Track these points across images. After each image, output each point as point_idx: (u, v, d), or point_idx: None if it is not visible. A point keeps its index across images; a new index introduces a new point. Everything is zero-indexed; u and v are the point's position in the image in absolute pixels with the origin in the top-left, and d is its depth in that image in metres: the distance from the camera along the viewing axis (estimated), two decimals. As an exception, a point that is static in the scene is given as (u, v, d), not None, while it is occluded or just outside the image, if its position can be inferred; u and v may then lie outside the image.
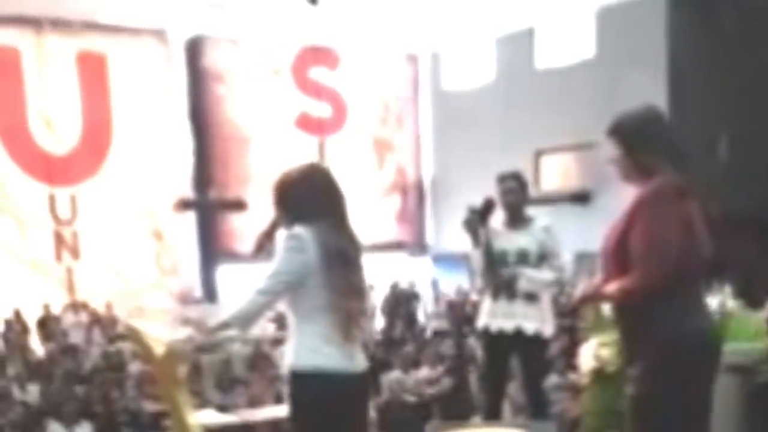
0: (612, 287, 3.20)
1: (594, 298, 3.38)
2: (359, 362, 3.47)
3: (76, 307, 14.38)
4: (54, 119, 15.36)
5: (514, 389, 6.73)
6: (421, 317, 15.03)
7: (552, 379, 7.81)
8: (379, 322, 14.33)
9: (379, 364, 9.73)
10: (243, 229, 16.00)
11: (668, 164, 3.18)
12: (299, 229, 3.37)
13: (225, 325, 3.41)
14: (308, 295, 3.36)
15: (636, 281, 3.11)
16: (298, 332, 3.41)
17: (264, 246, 3.62)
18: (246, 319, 3.37)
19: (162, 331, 3.89)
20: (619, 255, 3.19)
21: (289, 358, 3.43)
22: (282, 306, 3.49)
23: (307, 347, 3.37)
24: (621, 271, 3.17)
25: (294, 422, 3.46)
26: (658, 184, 3.15)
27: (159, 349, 3.65)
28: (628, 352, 3.29)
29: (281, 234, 3.48)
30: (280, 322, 10.25)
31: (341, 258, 3.40)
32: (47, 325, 13.22)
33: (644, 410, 3.18)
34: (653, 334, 3.14)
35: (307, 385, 3.36)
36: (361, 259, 3.53)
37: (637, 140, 3.24)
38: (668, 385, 3.12)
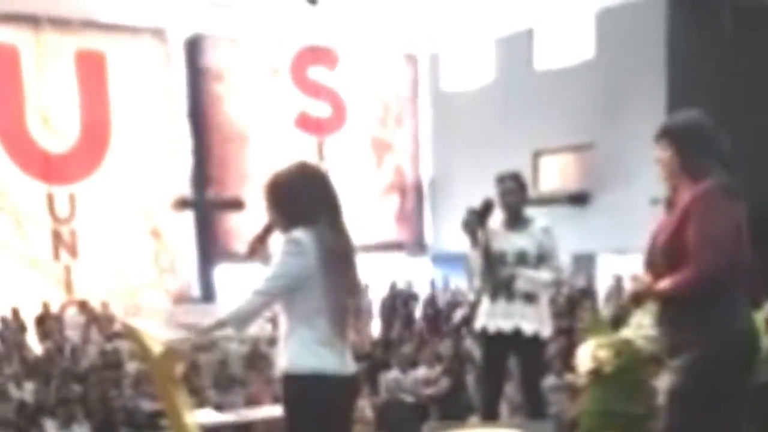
0: (664, 283, 3.26)
1: (646, 295, 3.41)
2: (350, 364, 3.47)
3: (73, 304, 14.41)
4: (52, 117, 15.35)
5: (511, 389, 6.73)
6: (418, 317, 15.02)
7: (549, 380, 7.81)
8: (377, 322, 14.33)
9: (377, 364, 9.73)
10: (241, 228, 15.99)
11: (716, 168, 3.28)
12: (299, 233, 3.32)
13: (221, 324, 3.40)
14: (305, 297, 3.33)
15: (691, 272, 3.18)
16: (293, 334, 3.38)
17: (256, 251, 3.60)
18: (242, 319, 3.35)
19: (159, 330, 3.89)
20: (670, 252, 3.26)
21: (284, 360, 3.40)
22: (276, 307, 3.46)
23: (302, 349, 3.35)
24: (670, 268, 3.24)
25: (289, 424, 3.46)
26: (710, 184, 3.24)
27: (157, 348, 3.64)
28: (671, 345, 3.36)
29: (278, 238, 3.45)
30: (277, 321, 10.24)
31: (339, 259, 3.38)
32: (45, 323, 13.22)
33: (681, 402, 3.27)
34: (700, 329, 3.22)
35: (304, 388, 3.35)
36: (356, 258, 3.51)
37: (687, 143, 3.33)
38: (709, 380, 3.21)
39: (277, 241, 3.46)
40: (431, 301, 15.48)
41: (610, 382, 5.68)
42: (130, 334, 4.10)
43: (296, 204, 3.41)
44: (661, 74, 14.52)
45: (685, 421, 3.27)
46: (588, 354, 5.88)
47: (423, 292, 16.06)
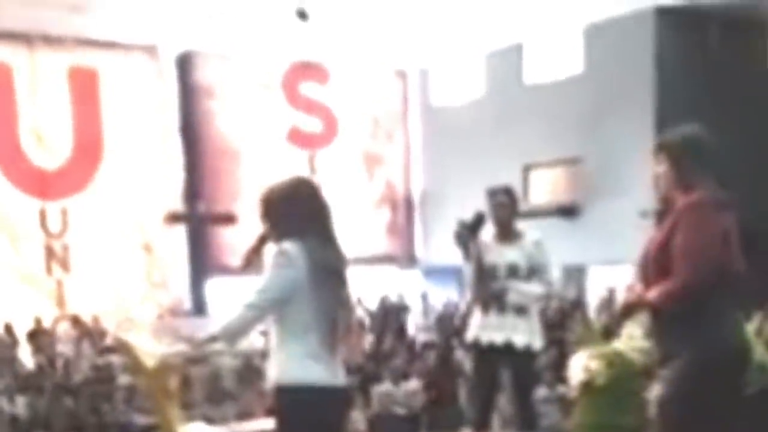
0: (653, 293, 3.29)
1: (637, 305, 3.45)
2: (341, 377, 3.51)
3: (66, 319, 14.39)
4: (45, 134, 15.36)
5: (503, 401, 6.76)
6: (410, 330, 15.05)
7: (541, 392, 7.85)
8: (368, 335, 14.33)
9: (368, 377, 9.76)
10: (233, 242, 15.99)
11: (710, 180, 3.33)
12: (287, 245, 3.38)
13: (212, 339, 3.44)
14: (295, 310, 3.37)
15: (677, 282, 3.21)
16: (284, 347, 3.42)
17: (251, 262, 3.65)
18: (233, 333, 3.40)
19: (152, 344, 3.91)
20: (660, 262, 3.29)
21: (275, 372, 3.45)
22: (268, 320, 3.49)
23: (293, 362, 3.39)
24: (661, 279, 3.27)
25: None
26: (699, 195, 3.29)
27: (150, 362, 3.67)
28: (661, 355, 3.40)
29: (270, 249, 3.51)
30: (270, 334, 10.23)
31: (329, 273, 3.42)
32: (37, 337, 13.18)
33: (670, 412, 3.30)
34: (687, 339, 3.26)
35: (295, 400, 3.39)
36: (347, 272, 3.55)
37: (683, 156, 3.37)
38: (696, 390, 3.23)
39: (271, 252, 3.52)
40: (423, 313, 15.53)
41: (602, 393, 5.71)
42: (123, 348, 4.12)
43: (288, 217, 3.47)
44: (650, 88, 14.64)
45: (673, 430, 3.31)
46: (580, 365, 5.93)
47: (414, 304, 16.10)
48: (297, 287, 3.35)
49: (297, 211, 3.47)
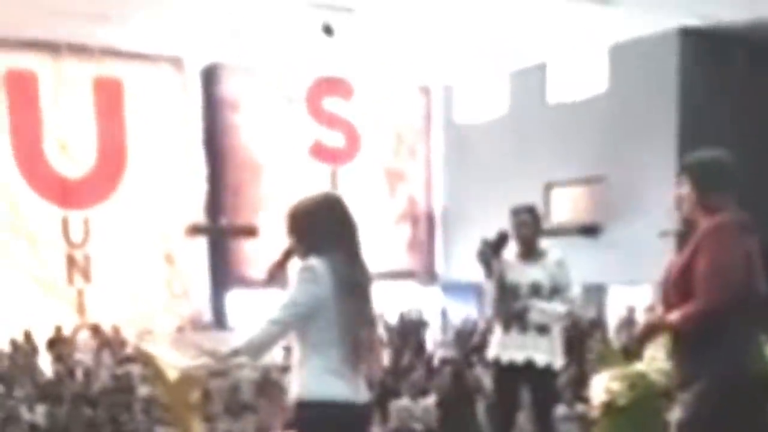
0: (674, 315, 3.30)
1: (658, 327, 3.46)
2: (363, 393, 3.50)
3: (86, 328, 14.49)
4: (69, 143, 15.52)
5: (522, 420, 6.73)
6: (429, 346, 15.03)
7: (560, 410, 7.81)
8: (387, 351, 14.31)
9: (387, 392, 9.74)
10: (254, 255, 16.06)
11: (732, 203, 3.35)
12: (313, 261, 3.38)
13: (236, 353, 3.44)
14: (319, 325, 3.37)
15: (699, 304, 3.21)
16: (307, 362, 3.42)
17: (275, 276, 3.66)
18: (257, 347, 3.39)
19: (175, 356, 3.92)
20: (682, 284, 3.30)
21: (296, 387, 3.44)
22: (290, 335, 3.49)
23: (315, 377, 3.39)
24: (682, 301, 3.28)
25: None
26: (722, 218, 3.30)
27: (172, 374, 3.68)
28: (681, 377, 3.40)
29: (295, 264, 3.51)
30: (289, 349, 10.24)
31: (353, 289, 3.42)
32: (57, 346, 13.27)
33: None
34: (708, 362, 3.26)
35: (315, 415, 3.38)
36: (371, 289, 3.55)
37: (703, 178, 3.40)
38: (716, 413, 3.22)
39: (295, 267, 3.52)
40: (442, 329, 15.50)
41: (624, 414, 5.67)
42: (146, 359, 4.12)
43: (315, 233, 3.46)
44: (673, 108, 14.60)
45: None
46: (602, 386, 5.88)
47: (433, 320, 16.07)
48: (321, 303, 3.35)
49: (323, 226, 3.47)
